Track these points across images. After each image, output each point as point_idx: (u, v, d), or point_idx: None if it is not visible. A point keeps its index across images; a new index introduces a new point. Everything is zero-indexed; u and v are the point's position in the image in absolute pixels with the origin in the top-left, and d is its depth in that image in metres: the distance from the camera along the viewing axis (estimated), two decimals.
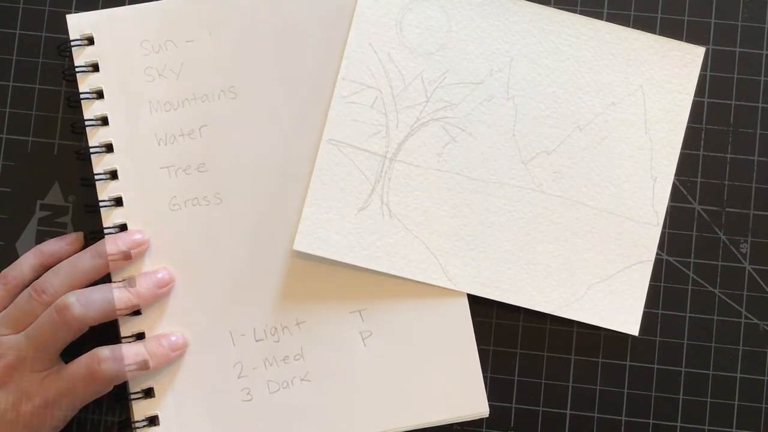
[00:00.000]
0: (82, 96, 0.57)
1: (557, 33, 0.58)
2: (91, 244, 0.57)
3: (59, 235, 0.58)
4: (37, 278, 0.56)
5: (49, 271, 0.56)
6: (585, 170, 0.58)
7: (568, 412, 0.57)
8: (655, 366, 0.57)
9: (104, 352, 0.54)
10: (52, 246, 0.57)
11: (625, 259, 0.57)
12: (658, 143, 0.58)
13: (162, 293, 0.57)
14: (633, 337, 0.57)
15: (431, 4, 0.58)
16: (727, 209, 0.58)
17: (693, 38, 0.59)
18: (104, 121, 0.57)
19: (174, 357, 0.57)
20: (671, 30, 0.59)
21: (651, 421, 0.57)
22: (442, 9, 0.58)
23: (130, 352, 0.55)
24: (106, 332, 0.57)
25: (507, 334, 0.58)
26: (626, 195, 0.58)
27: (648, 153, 0.58)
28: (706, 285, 0.58)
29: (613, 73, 0.58)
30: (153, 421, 0.56)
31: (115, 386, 0.55)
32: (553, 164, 0.58)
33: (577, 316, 0.57)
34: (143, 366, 0.55)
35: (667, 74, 0.58)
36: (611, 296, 0.57)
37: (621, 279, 0.57)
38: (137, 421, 0.56)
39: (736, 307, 0.58)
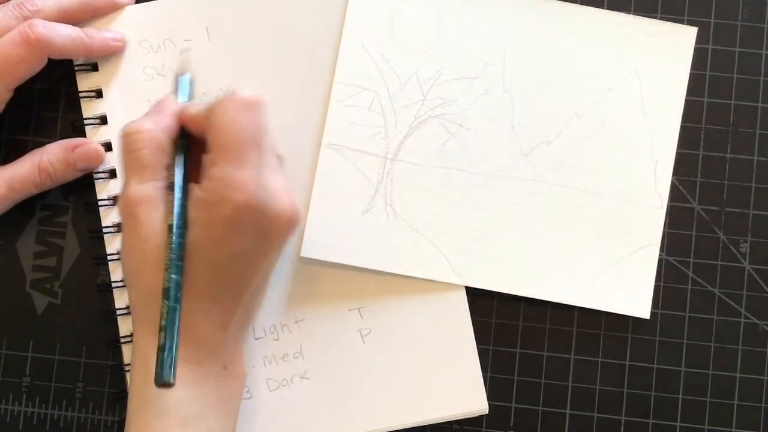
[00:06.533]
0: (81, 95, 0.58)
1: (549, 22, 0.58)
2: (89, 242, 0.58)
3: (59, 234, 0.59)
4: None
5: None
6: (586, 158, 0.58)
7: (567, 411, 0.57)
8: (655, 366, 0.57)
9: (36, 20, 0.54)
10: None
11: (632, 244, 0.57)
12: (656, 126, 0.58)
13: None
14: (633, 337, 0.57)
15: (421, 1, 0.58)
16: (726, 209, 0.58)
17: None
18: (103, 120, 0.58)
19: (114, 45, 0.57)
20: None
21: (651, 421, 0.57)
22: (432, 6, 0.58)
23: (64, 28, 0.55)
24: (102, 332, 0.57)
25: (507, 334, 0.58)
26: (628, 179, 0.58)
27: (647, 135, 0.58)
28: (706, 285, 0.58)
29: (607, 59, 0.58)
30: None
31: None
32: (554, 154, 0.58)
33: (587, 303, 0.57)
34: (80, 44, 0.56)
35: (661, 56, 0.58)
36: (620, 282, 0.57)
37: (629, 264, 0.57)
38: None
39: (736, 306, 0.58)
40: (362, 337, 0.57)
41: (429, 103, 0.57)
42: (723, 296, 0.58)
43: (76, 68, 0.58)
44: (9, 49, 0.53)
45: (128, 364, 0.56)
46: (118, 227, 0.57)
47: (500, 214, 0.57)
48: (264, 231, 0.49)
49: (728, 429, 0.57)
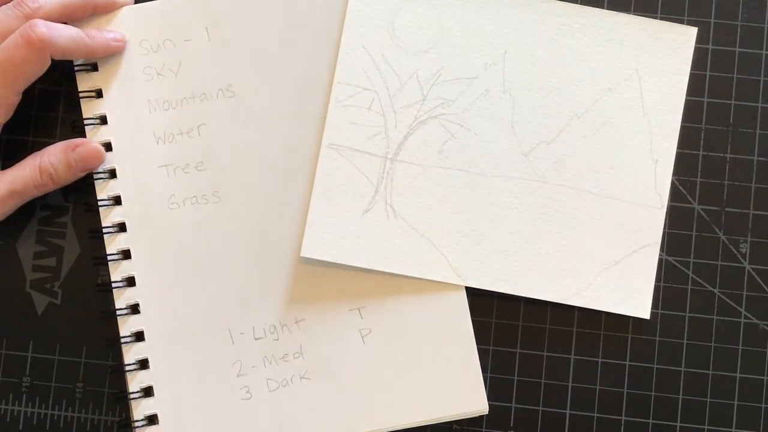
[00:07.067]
0: (81, 95, 0.58)
1: (549, 22, 0.58)
2: (89, 242, 0.58)
3: (59, 234, 0.59)
4: None
5: None
6: (586, 157, 0.58)
7: (567, 411, 0.57)
8: (655, 366, 0.57)
9: (37, 21, 0.54)
10: None
11: (632, 244, 0.57)
12: (656, 126, 0.58)
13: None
14: (633, 337, 0.57)
15: (421, 2, 0.58)
16: (726, 209, 0.58)
17: None
18: (103, 120, 0.58)
19: (115, 46, 0.57)
20: None
21: (651, 421, 0.57)
22: (432, 6, 0.58)
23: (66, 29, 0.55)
24: (102, 332, 0.57)
25: (506, 334, 0.58)
26: (628, 179, 0.58)
27: (647, 136, 0.58)
28: (706, 285, 0.58)
29: (607, 59, 0.58)
30: (152, 420, 0.56)
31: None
32: (554, 154, 0.58)
33: (587, 304, 0.57)
34: (81, 45, 0.56)
35: (661, 56, 0.58)
36: (620, 282, 0.57)
37: (628, 264, 0.57)
38: (137, 421, 0.56)
39: (736, 307, 0.57)
40: (362, 337, 0.57)
41: (429, 103, 0.57)
42: (723, 296, 0.58)
43: (76, 68, 0.58)
44: (13, 51, 0.53)
45: (128, 364, 0.56)
46: (119, 227, 0.57)
47: (500, 214, 0.57)
48: None
49: (728, 429, 0.57)
